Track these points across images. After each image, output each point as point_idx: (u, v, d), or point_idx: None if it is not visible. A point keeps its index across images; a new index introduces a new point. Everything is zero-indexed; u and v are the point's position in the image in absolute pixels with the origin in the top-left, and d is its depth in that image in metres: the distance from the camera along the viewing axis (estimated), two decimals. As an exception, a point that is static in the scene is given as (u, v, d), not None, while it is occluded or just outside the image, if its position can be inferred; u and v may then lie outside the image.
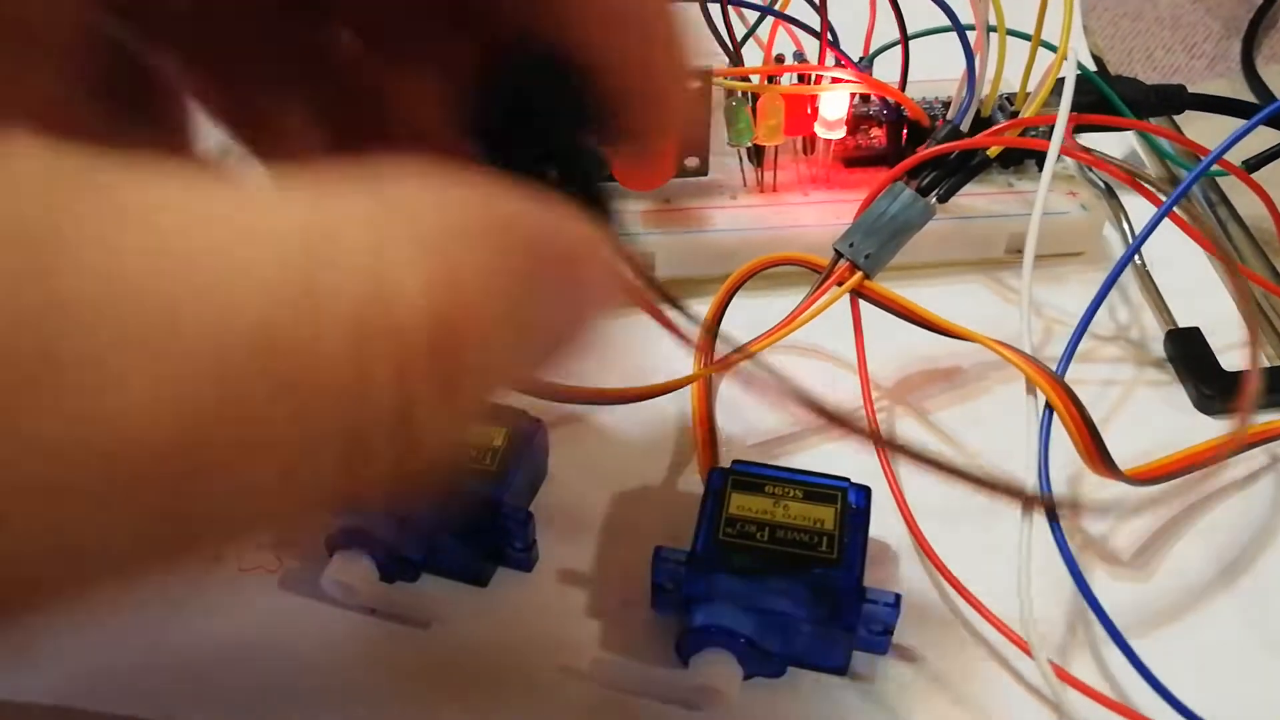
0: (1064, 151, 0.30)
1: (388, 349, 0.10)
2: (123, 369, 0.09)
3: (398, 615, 0.25)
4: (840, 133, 0.34)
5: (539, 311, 0.12)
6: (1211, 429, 0.30)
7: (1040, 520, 0.25)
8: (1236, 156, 0.34)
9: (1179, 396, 0.31)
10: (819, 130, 0.34)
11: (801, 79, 0.34)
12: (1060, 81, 0.32)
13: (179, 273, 0.09)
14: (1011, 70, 0.33)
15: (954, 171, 0.30)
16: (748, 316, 0.30)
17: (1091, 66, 0.40)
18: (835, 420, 0.23)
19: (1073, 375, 0.27)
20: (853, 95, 0.34)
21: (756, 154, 0.35)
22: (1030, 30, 0.33)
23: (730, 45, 0.34)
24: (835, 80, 0.34)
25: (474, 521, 0.25)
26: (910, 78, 0.35)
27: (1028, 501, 0.26)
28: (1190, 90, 0.39)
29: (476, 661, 0.25)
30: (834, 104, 0.34)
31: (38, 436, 0.08)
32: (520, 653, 0.25)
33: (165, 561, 0.10)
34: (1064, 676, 0.23)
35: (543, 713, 0.24)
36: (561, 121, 0.15)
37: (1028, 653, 0.24)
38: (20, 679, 0.24)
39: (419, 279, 0.10)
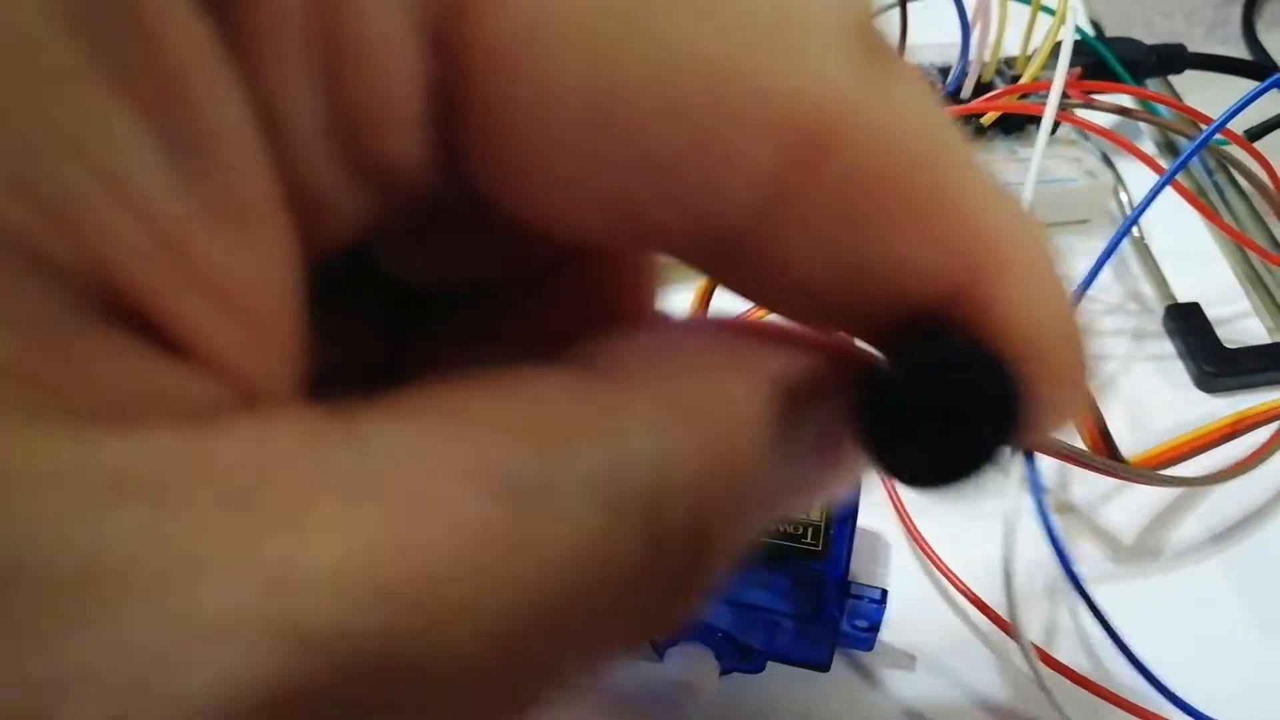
0: (1060, 117, 0.27)
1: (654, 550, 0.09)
2: None
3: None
4: None
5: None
6: (1211, 406, 0.27)
7: (1028, 502, 0.22)
8: (1238, 124, 0.30)
9: (1178, 372, 0.28)
10: None
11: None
12: (1059, 46, 0.28)
13: None
14: (1014, 35, 0.30)
15: (948, 140, 0.27)
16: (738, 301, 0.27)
17: (1090, 31, 0.37)
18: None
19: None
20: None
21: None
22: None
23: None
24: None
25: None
26: (909, 43, 0.31)
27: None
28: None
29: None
30: None
31: None
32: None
33: None
34: (1049, 662, 0.21)
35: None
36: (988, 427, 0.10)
37: (1010, 635, 0.21)
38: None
39: (688, 483, 0.09)
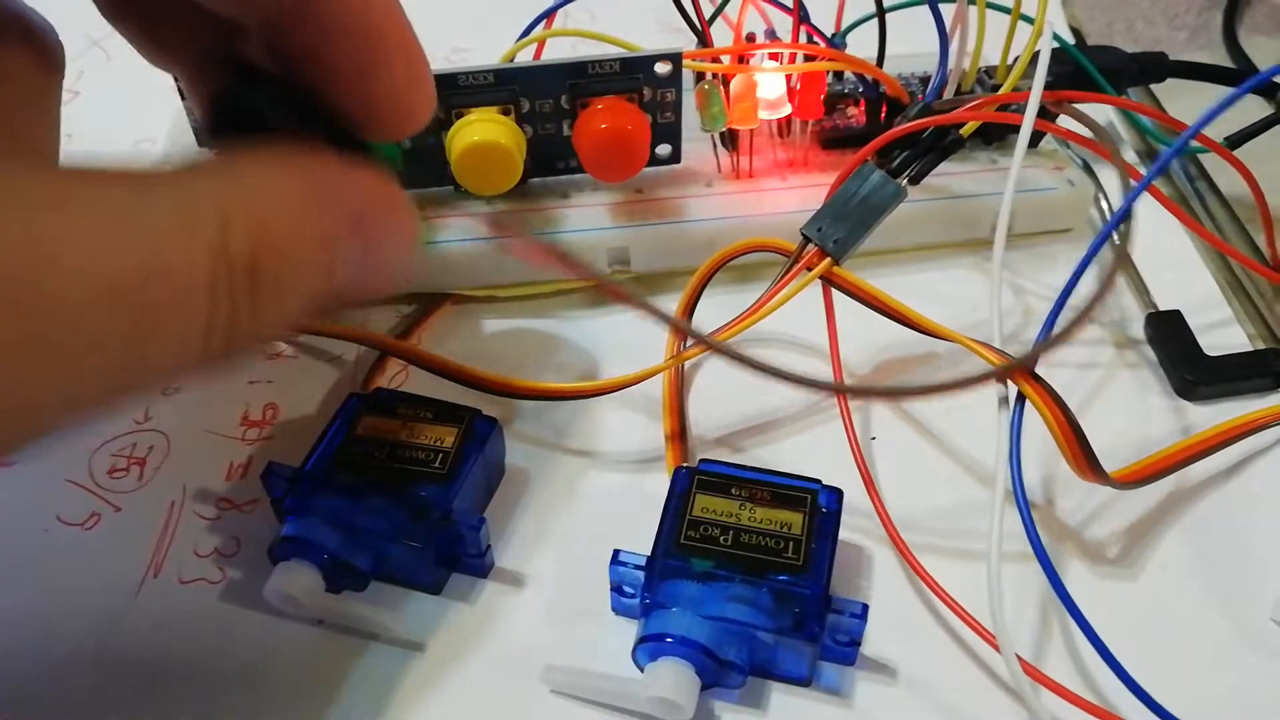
0: (1038, 126, 0.27)
1: (224, 269, 0.15)
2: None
3: (345, 626, 0.22)
4: (784, 111, 0.31)
5: (339, 255, 0.17)
6: (1192, 414, 0.27)
7: (1013, 513, 0.22)
8: (1218, 132, 0.30)
9: (1159, 380, 0.28)
10: (761, 112, 0.30)
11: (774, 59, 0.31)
12: (1038, 55, 0.28)
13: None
14: (993, 44, 0.30)
15: (927, 151, 0.27)
16: (725, 308, 0.26)
17: (1070, 39, 0.37)
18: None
19: (1050, 358, 0.24)
20: (822, 74, 0.30)
21: (731, 139, 0.31)
22: (1009, 3, 0.29)
23: (699, 25, 0.30)
24: (809, 57, 0.30)
25: (424, 528, 0.22)
26: (889, 52, 0.31)
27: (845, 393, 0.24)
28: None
29: (427, 671, 0.22)
30: (770, 84, 0.30)
31: None
32: (473, 660, 0.22)
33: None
34: (1033, 674, 0.20)
35: (499, 723, 0.21)
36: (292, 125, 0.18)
37: (995, 647, 0.21)
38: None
39: (245, 230, 0.15)
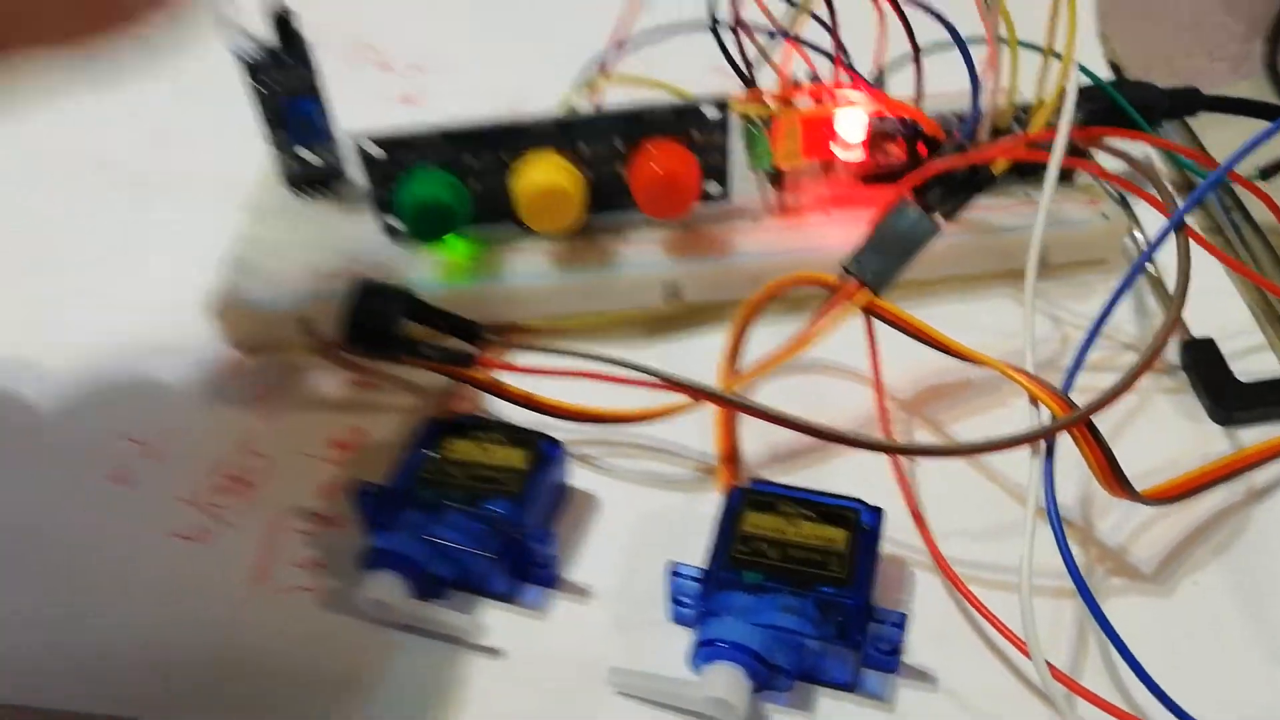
0: (1066, 163, 0.28)
1: None
2: None
3: (428, 631, 0.24)
4: (859, 154, 0.33)
5: None
6: (1225, 439, 0.28)
7: (1045, 530, 0.24)
8: (1251, 162, 0.32)
9: (1193, 406, 0.29)
10: (838, 152, 0.33)
11: (816, 100, 0.33)
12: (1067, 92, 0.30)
13: None
14: (1029, 81, 0.31)
15: (960, 187, 0.29)
16: (775, 336, 0.28)
17: (1107, 74, 0.38)
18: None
19: (1085, 383, 0.26)
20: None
21: (777, 176, 0.33)
22: (1044, 41, 0.31)
23: (745, 70, 0.32)
24: (850, 101, 0.32)
25: (498, 541, 0.24)
26: (926, 91, 0.33)
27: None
28: (1209, 93, 0.36)
29: (503, 673, 0.24)
30: (853, 126, 0.32)
31: None
32: (544, 663, 0.24)
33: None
34: (1065, 681, 0.22)
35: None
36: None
37: (1025, 653, 0.22)
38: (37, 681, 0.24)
39: None
